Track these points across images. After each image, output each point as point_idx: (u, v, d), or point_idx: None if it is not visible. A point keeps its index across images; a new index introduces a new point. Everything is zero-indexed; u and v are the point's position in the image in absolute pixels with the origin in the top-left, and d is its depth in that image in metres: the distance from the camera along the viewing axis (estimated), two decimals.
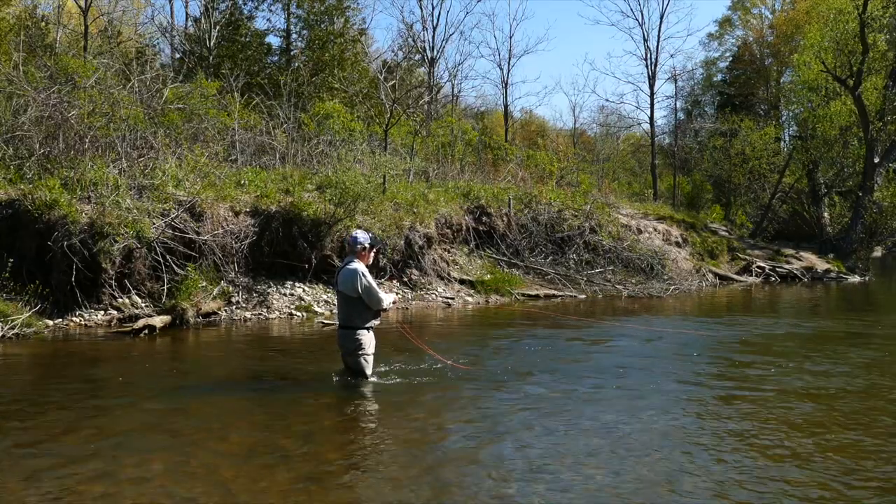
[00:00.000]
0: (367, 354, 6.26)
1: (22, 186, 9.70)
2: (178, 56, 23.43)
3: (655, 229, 19.20)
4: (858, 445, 4.75)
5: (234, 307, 10.48)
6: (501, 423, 5.19)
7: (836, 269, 20.94)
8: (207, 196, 10.98)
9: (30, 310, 8.74)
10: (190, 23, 24.74)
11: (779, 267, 20.38)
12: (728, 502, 3.80)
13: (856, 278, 20.65)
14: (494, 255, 15.23)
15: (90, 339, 8.53)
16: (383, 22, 71.98)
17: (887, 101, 22.64)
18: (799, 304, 14.59)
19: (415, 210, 13.55)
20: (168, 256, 10.00)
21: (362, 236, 6.37)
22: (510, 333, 9.59)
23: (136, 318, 9.25)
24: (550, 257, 15.99)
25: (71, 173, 10.03)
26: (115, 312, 9.53)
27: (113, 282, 9.67)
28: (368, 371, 6.27)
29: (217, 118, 14.36)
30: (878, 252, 28.18)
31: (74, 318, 9.28)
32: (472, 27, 75.19)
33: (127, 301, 9.73)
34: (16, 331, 8.33)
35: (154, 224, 9.89)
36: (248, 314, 10.42)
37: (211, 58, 22.03)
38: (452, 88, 31.52)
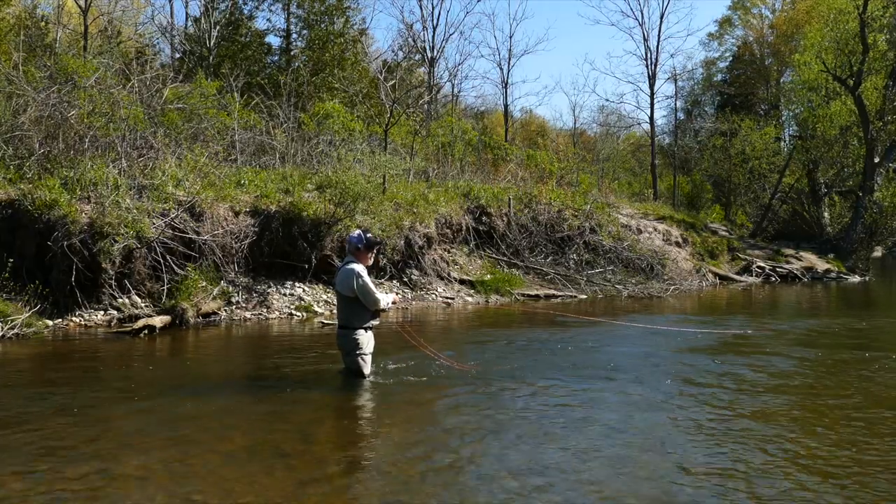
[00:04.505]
0: (365, 354, 6.26)
1: (22, 186, 9.69)
2: (178, 56, 23.43)
3: (655, 229, 19.21)
4: (866, 445, 4.75)
5: (233, 307, 10.47)
6: (502, 423, 5.19)
7: (836, 269, 20.95)
8: (207, 196, 10.98)
9: (30, 310, 8.74)
10: (190, 23, 24.75)
11: (779, 267, 20.38)
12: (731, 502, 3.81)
13: (856, 278, 20.66)
14: (494, 255, 15.23)
15: (90, 339, 8.53)
16: (383, 22, 72.05)
17: (887, 101, 22.64)
18: (799, 304, 14.60)
19: (415, 210, 13.55)
20: (168, 256, 10.00)
21: (360, 236, 6.38)
22: (510, 333, 9.59)
23: (136, 318, 9.24)
24: (550, 257, 15.99)
25: (71, 173, 10.03)
26: (115, 312, 9.53)
27: (113, 282, 9.66)
28: (367, 371, 6.28)
29: (217, 118, 14.35)
30: (878, 252, 28.18)
31: (74, 318, 9.28)
32: (472, 27, 75.27)
33: (127, 301, 9.73)
34: (16, 331, 8.33)
35: (154, 224, 9.89)
36: (248, 314, 10.42)
37: (211, 58, 22.04)
38: (452, 88, 31.57)
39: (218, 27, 22.81)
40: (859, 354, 8.10)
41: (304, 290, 11.41)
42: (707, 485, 4.03)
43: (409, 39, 27.62)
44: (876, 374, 6.98)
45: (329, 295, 11.42)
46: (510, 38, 66.34)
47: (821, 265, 21.12)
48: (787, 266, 20.58)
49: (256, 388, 6.26)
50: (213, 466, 4.24)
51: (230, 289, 10.67)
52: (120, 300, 9.68)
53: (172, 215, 10.24)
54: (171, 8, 26.39)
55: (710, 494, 3.89)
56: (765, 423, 5.24)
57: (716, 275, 18.53)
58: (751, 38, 39.88)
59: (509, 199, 16.25)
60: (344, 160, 13.77)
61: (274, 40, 25.54)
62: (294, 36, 25.22)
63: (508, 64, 34.65)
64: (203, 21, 22.98)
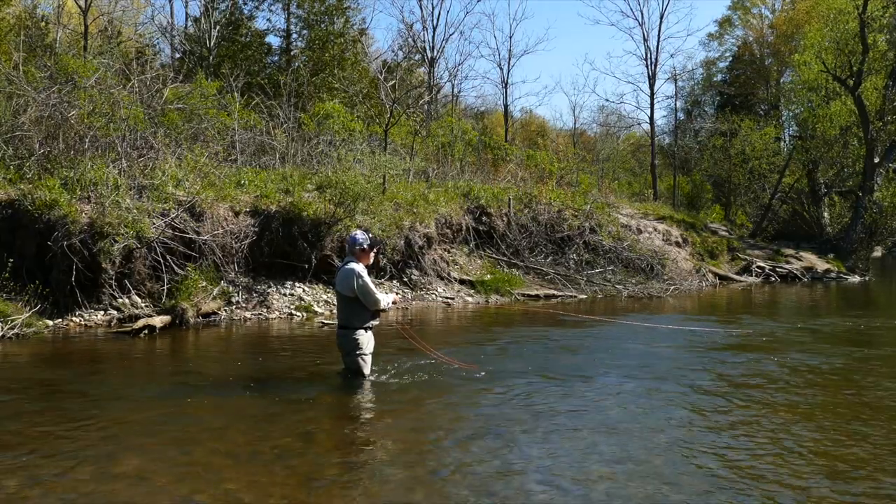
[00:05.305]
0: (365, 354, 6.26)
1: (22, 186, 9.69)
2: (178, 56, 23.43)
3: (655, 229, 19.20)
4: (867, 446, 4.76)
5: (234, 307, 10.47)
6: (502, 423, 5.19)
7: (836, 269, 20.95)
8: (207, 196, 10.98)
9: (30, 310, 8.74)
10: (190, 23, 24.75)
11: (779, 267, 20.38)
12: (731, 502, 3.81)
13: (856, 278, 20.67)
14: (494, 255, 15.23)
15: (90, 339, 8.53)
16: (383, 22, 71.94)
17: (887, 101, 22.64)
18: (808, 304, 14.60)
19: (415, 210, 13.54)
20: (168, 256, 10.00)
21: (361, 236, 6.38)
22: (511, 333, 9.59)
23: (136, 318, 9.24)
24: (550, 257, 15.99)
25: (71, 173, 10.03)
26: (115, 312, 9.53)
27: (113, 282, 9.66)
28: (366, 371, 6.28)
29: (217, 118, 14.35)
30: (878, 252, 28.19)
31: (74, 318, 9.28)
32: (472, 27, 75.27)
33: (127, 301, 9.73)
34: (16, 331, 8.33)
35: (154, 224, 9.89)
36: (248, 314, 10.42)
37: (211, 58, 22.04)
38: (452, 88, 31.56)
39: (218, 27, 22.81)
40: None
41: (304, 290, 11.41)
42: (715, 486, 4.03)
43: (409, 39, 27.65)
44: None
45: (329, 295, 11.42)
46: (510, 38, 66.52)
47: (821, 265, 21.12)
48: (786, 266, 20.58)
49: (256, 387, 6.26)
50: (213, 466, 4.24)
51: (230, 289, 10.67)
52: (120, 300, 9.69)
53: (172, 215, 10.24)
54: (171, 8, 26.46)
55: (716, 496, 3.90)
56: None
57: (716, 275, 18.53)
58: (751, 38, 39.88)
59: (509, 199, 16.25)
60: (344, 160, 13.77)
61: (274, 40, 25.58)
62: (294, 36, 25.23)
63: (508, 64, 34.67)
64: (203, 21, 22.98)
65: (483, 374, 6.72)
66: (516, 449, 4.62)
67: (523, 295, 13.84)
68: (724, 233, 22.60)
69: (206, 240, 10.47)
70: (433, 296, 12.83)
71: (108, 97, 11.84)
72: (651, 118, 28.15)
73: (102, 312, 9.51)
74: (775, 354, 7.94)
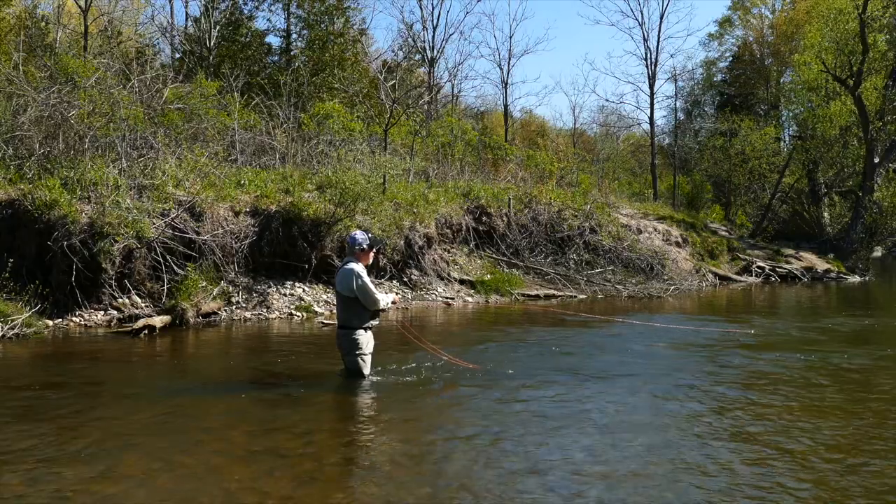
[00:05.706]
0: (365, 354, 6.26)
1: (22, 186, 9.70)
2: (178, 56, 23.43)
3: (655, 229, 19.20)
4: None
5: (234, 307, 10.47)
6: (502, 423, 5.19)
7: (836, 269, 20.94)
8: (207, 196, 10.98)
9: (30, 310, 8.73)
10: (190, 23, 24.73)
11: (779, 267, 20.38)
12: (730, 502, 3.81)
13: (856, 278, 20.66)
14: (494, 255, 15.23)
15: (90, 339, 8.53)
16: (383, 22, 71.93)
17: (887, 101, 22.65)
18: (802, 304, 14.59)
19: (415, 210, 13.54)
20: (168, 256, 10.00)
21: (360, 237, 6.38)
22: (511, 333, 9.59)
23: (136, 318, 9.24)
24: (550, 257, 15.99)
25: (71, 173, 10.03)
26: (115, 312, 9.53)
27: (113, 282, 9.66)
28: (366, 371, 6.28)
29: (217, 118, 14.35)
30: (878, 252, 28.18)
31: (74, 318, 9.28)
32: (472, 27, 75.46)
33: (127, 301, 9.72)
34: (16, 331, 8.32)
35: (154, 224, 9.89)
36: (248, 314, 10.42)
37: (211, 58, 22.03)
38: (452, 88, 31.55)
39: (218, 27, 22.79)
40: None
41: (304, 290, 11.41)
42: (715, 487, 4.03)
43: (409, 39, 27.65)
44: None
45: (329, 295, 11.42)
46: (510, 38, 66.24)
47: (821, 265, 21.11)
48: (786, 266, 20.58)
49: (256, 388, 6.26)
50: (213, 466, 4.25)
51: (230, 289, 10.67)
52: (120, 300, 9.68)
53: (172, 215, 10.24)
54: (171, 8, 26.38)
55: (717, 496, 3.89)
56: None
57: (716, 275, 18.53)
58: (751, 39, 39.88)
59: (509, 199, 16.25)
60: (344, 160, 13.77)
61: (274, 40, 25.55)
62: (294, 36, 25.20)
63: (508, 64, 34.63)
64: (203, 21, 22.96)
65: (483, 373, 6.71)
66: (518, 449, 4.62)
67: (523, 295, 13.84)
68: (724, 233, 22.60)
69: (206, 240, 10.47)
70: (433, 296, 12.83)
71: (108, 97, 11.84)
72: (651, 118, 28.18)
73: (102, 312, 9.51)
74: (799, 353, 7.94)
